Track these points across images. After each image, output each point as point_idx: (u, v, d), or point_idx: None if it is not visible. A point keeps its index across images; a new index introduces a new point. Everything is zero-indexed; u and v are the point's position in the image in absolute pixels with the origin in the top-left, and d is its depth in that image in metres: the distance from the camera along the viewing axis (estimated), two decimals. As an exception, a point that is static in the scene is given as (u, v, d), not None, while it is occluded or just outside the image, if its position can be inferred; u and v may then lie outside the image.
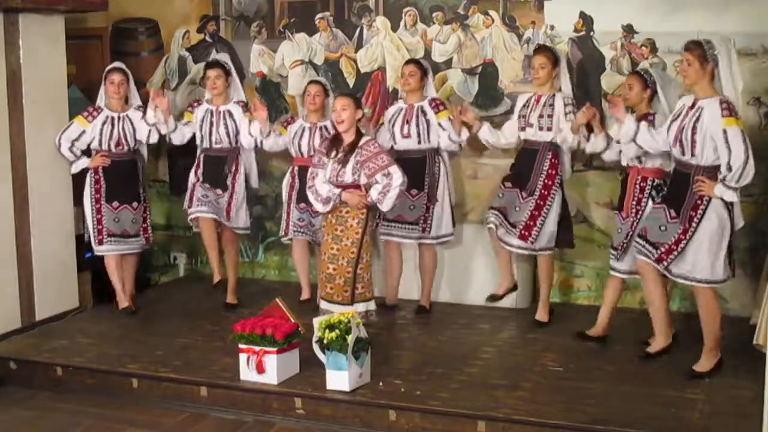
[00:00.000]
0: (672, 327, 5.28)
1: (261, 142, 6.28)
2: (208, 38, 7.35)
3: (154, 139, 6.34)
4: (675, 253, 4.76)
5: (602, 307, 5.60)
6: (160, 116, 6.20)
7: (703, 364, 4.91)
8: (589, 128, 5.56)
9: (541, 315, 5.94)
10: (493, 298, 5.99)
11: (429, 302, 6.33)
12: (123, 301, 6.37)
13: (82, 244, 6.51)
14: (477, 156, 6.58)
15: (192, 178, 6.43)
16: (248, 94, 7.10)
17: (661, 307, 5.11)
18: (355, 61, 6.91)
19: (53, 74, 6.28)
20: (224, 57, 6.54)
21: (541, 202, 5.71)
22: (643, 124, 5.02)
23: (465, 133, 6.03)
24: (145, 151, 6.48)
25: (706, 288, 4.79)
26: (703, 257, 4.73)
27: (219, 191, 6.33)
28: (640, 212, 5.20)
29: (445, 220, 6.16)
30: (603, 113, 6.23)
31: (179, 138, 6.44)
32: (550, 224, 5.75)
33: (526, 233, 5.71)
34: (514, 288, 6.01)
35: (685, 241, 4.73)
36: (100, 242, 6.24)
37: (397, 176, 5.36)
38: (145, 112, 6.26)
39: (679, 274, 4.81)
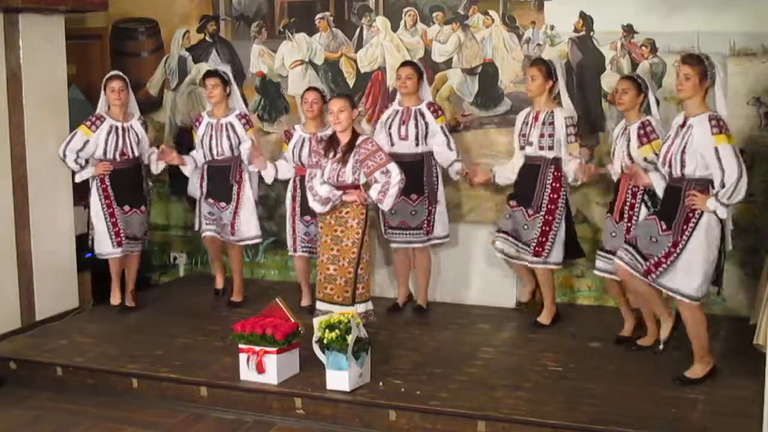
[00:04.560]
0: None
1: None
2: (208, 38, 7.35)
3: (161, 169, 6.48)
4: (664, 266, 4.71)
5: (621, 309, 5.57)
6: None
7: (696, 371, 4.86)
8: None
9: (544, 318, 5.93)
10: (520, 305, 6.00)
11: (426, 302, 6.33)
12: (116, 298, 6.46)
13: (82, 244, 6.51)
14: (476, 156, 6.57)
15: (197, 192, 6.46)
16: (248, 94, 7.12)
17: (653, 295, 5.02)
18: (355, 61, 6.91)
19: (53, 74, 6.28)
20: (225, 68, 6.52)
21: (550, 218, 5.69)
22: (660, 167, 4.90)
23: (460, 165, 6.07)
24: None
25: (689, 303, 4.73)
26: (691, 272, 4.66)
27: (223, 204, 6.34)
28: (634, 217, 5.18)
29: (444, 222, 6.15)
30: (603, 113, 6.26)
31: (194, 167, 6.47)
32: (561, 238, 5.74)
33: (540, 249, 5.71)
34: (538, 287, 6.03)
35: (675, 255, 4.68)
36: (120, 244, 6.25)
37: (395, 173, 5.38)
38: (146, 125, 6.42)
39: (664, 285, 4.75)
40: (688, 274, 4.67)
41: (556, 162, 5.67)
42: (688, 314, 4.76)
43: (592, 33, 6.26)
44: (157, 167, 6.43)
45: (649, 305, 5.19)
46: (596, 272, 5.50)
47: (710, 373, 4.87)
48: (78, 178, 6.26)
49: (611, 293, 5.63)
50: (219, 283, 6.76)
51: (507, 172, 5.97)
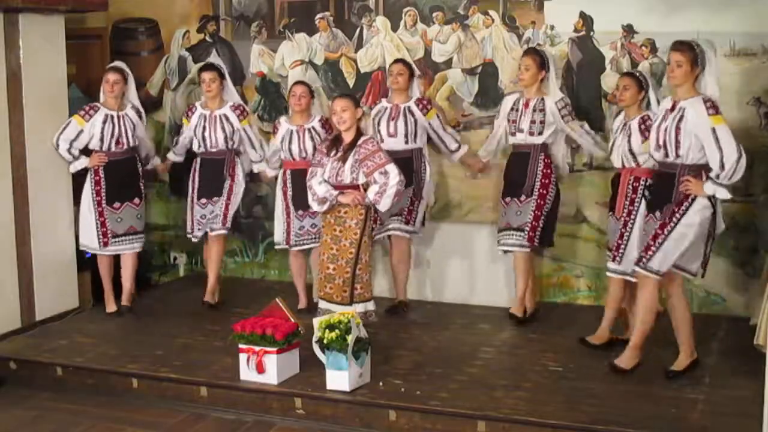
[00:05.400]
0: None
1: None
2: (208, 38, 7.35)
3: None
4: (653, 249, 4.70)
5: (605, 310, 5.51)
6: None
7: (678, 363, 4.89)
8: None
9: (517, 309, 5.94)
10: (513, 317, 5.99)
11: (406, 298, 6.32)
12: (111, 305, 6.39)
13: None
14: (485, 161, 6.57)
15: (189, 190, 6.45)
16: (248, 94, 7.12)
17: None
18: (355, 61, 6.91)
19: (53, 74, 6.28)
20: (217, 60, 6.54)
21: (542, 202, 5.72)
22: (653, 152, 4.87)
23: (464, 148, 6.19)
24: (143, 148, 6.49)
25: (666, 278, 4.72)
26: (677, 253, 4.65)
27: (215, 198, 6.35)
28: (634, 212, 5.17)
29: (419, 219, 6.17)
30: (603, 112, 6.25)
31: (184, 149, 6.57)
32: (549, 223, 5.78)
33: (533, 234, 5.72)
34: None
35: (663, 236, 4.67)
36: (106, 245, 6.24)
37: (394, 175, 5.37)
38: (140, 114, 6.38)
39: (652, 269, 4.71)
40: (673, 255, 4.66)
41: (545, 148, 5.72)
42: (684, 300, 4.79)
43: (592, 33, 6.26)
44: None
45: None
46: (608, 273, 5.44)
47: (692, 364, 4.90)
48: (72, 169, 6.25)
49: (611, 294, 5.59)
50: (209, 295, 6.53)
51: (487, 147, 6.10)
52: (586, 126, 5.84)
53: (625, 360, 4.95)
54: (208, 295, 6.48)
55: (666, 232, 4.68)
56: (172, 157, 6.67)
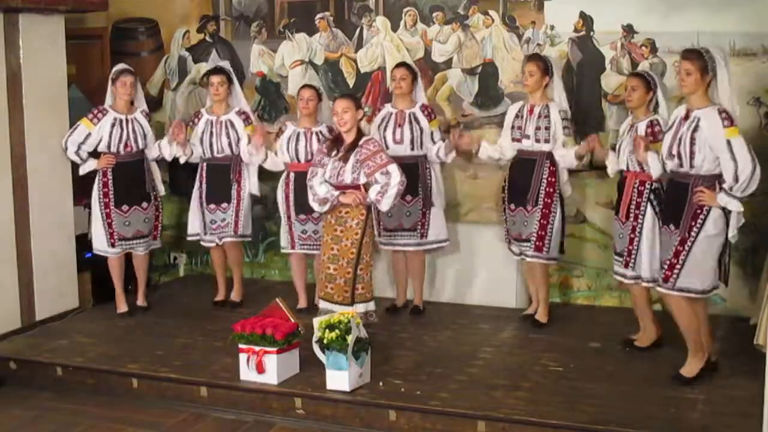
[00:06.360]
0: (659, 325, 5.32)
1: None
2: (208, 38, 7.35)
3: (164, 155, 6.34)
4: (678, 267, 4.66)
5: (637, 315, 5.48)
6: (177, 149, 6.26)
7: (688, 369, 4.84)
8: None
9: (541, 316, 5.94)
10: (527, 318, 6.04)
11: (422, 303, 6.32)
12: (122, 305, 6.39)
13: (82, 244, 6.51)
14: (475, 157, 6.56)
15: (195, 194, 6.44)
16: (248, 94, 7.12)
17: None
18: (355, 61, 6.91)
19: (53, 74, 6.28)
20: (226, 64, 6.54)
21: (547, 211, 5.69)
22: (666, 161, 4.84)
23: (452, 155, 6.06)
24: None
25: (695, 297, 4.70)
26: (700, 268, 4.63)
27: (224, 205, 6.34)
28: (641, 217, 5.13)
29: (440, 226, 6.15)
30: (603, 112, 6.26)
31: (191, 154, 6.40)
32: (558, 232, 5.75)
33: (540, 244, 5.71)
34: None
35: (684, 253, 4.63)
36: (113, 245, 6.23)
37: (395, 175, 5.36)
38: (150, 117, 6.36)
39: (682, 288, 4.68)
40: (698, 270, 4.63)
41: (551, 156, 5.69)
42: (691, 308, 4.73)
43: (592, 33, 6.26)
44: (170, 150, 6.25)
45: (643, 313, 5.22)
46: (619, 278, 5.40)
47: (704, 370, 4.85)
48: (81, 171, 6.24)
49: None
50: (221, 295, 6.64)
51: (492, 151, 5.95)
52: (572, 153, 5.66)
53: (689, 369, 4.86)
54: (234, 294, 6.59)
55: (687, 247, 4.63)
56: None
